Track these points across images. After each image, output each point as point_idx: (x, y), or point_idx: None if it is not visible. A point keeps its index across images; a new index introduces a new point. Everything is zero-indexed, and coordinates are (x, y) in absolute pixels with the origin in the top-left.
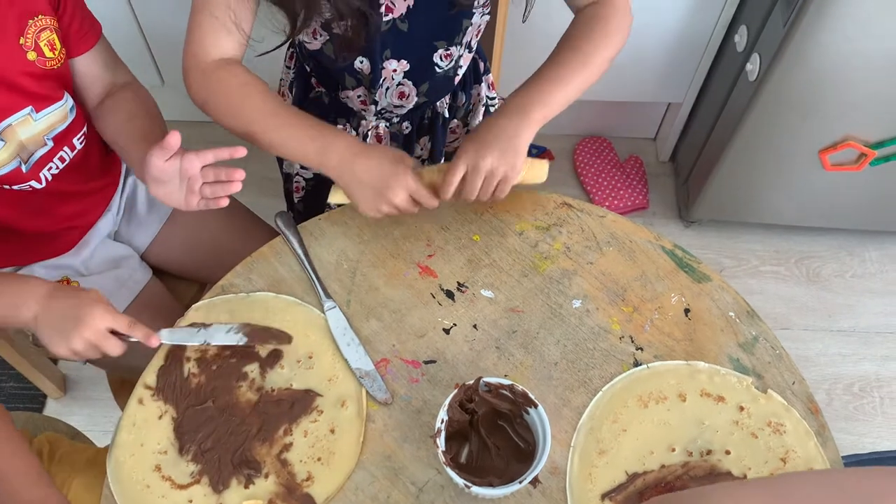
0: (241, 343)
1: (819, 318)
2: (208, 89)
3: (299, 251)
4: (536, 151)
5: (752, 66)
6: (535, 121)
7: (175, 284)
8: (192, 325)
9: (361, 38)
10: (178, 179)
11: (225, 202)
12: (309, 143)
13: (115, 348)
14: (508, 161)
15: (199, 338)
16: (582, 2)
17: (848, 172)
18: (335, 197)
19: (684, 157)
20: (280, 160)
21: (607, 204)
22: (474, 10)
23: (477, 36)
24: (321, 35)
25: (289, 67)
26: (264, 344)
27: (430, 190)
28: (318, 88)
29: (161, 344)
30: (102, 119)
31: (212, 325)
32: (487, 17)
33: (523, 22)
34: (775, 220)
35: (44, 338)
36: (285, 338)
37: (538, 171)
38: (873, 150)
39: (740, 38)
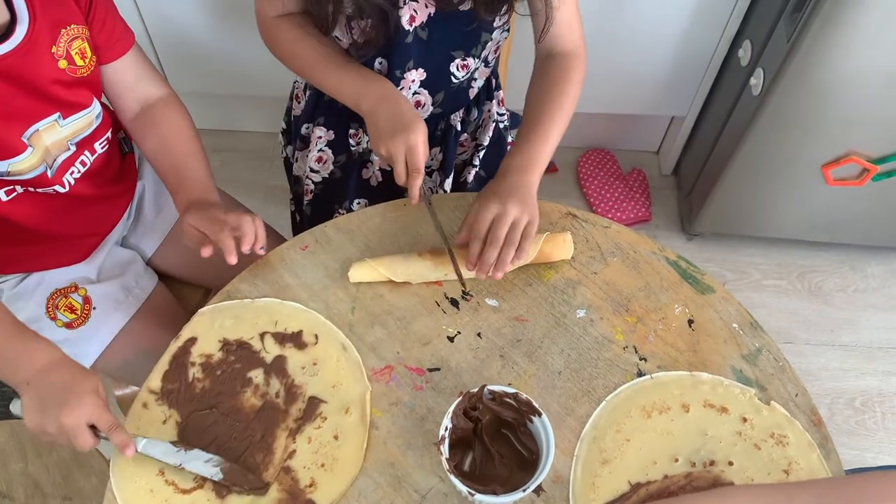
0: (214, 478)
1: (821, 332)
2: (270, 42)
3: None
4: None
5: (756, 81)
6: (535, 181)
7: (179, 289)
8: (174, 443)
9: (380, 38)
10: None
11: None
12: (346, 89)
13: (85, 444)
14: (530, 210)
15: (175, 458)
16: (555, 48)
17: (850, 187)
18: (356, 274)
19: (687, 171)
20: (289, 166)
21: (610, 216)
22: (495, 27)
23: (495, 52)
24: (348, 34)
25: None
26: (238, 487)
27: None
28: None
29: (136, 453)
30: (138, 137)
31: (193, 449)
32: (506, 34)
33: (539, 42)
34: (778, 234)
35: (25, 403)
36: (261, 486)
37: (564, 247)
38: (876, 165)
39: (744, 53)
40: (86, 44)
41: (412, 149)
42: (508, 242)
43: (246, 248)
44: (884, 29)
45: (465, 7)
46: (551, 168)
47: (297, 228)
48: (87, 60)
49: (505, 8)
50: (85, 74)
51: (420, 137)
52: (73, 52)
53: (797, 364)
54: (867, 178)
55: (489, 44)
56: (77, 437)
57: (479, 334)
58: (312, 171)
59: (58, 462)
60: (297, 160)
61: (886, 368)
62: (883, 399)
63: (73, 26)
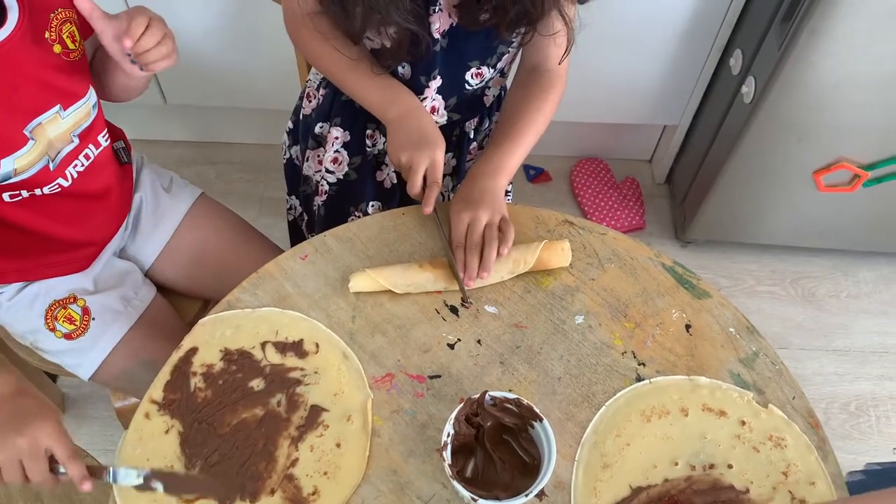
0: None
1: (815, 337)
2: (296, 40)
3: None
4: (534, 172)
5: (748, 89)
6: (503, 185)
7: (177, 301)
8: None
9: (405, 51)
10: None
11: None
12: (375, 97)
13: (38, 473)
14: (498, 210)
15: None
16: (541, 65)
17: (842, 193)
18: (356, 284)
19: (680, 179)
20: (291, 168)
21: (605, 225)
22: (514, 42)
23: (511, 63)
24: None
25: None
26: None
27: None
28: None
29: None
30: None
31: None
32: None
33: (559, 64)
34: (770, 241)
35: None
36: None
37: (562, 255)
38: (866, 171)
39: (735, 62)
40: (74, 27)
41: (434, 163)
42: (488, 242)
43: (127, 43)
44: (873, 37)
45: (488, 23)
46: (545, 177)
47: (310, 228)
48: (77, 44)
49: (525, 28)
50: (77, 58)
51: (442, 154)
52: (64, 36)
53: (792, 369)
54: (858, 184)
55: (505, 56)
56: (32, 464)
57: (478, 341)
58: (328, 171)
59: None
60: (307, 159)
61: (880, 372)
62: (877, 403)
63: (60, 10)
